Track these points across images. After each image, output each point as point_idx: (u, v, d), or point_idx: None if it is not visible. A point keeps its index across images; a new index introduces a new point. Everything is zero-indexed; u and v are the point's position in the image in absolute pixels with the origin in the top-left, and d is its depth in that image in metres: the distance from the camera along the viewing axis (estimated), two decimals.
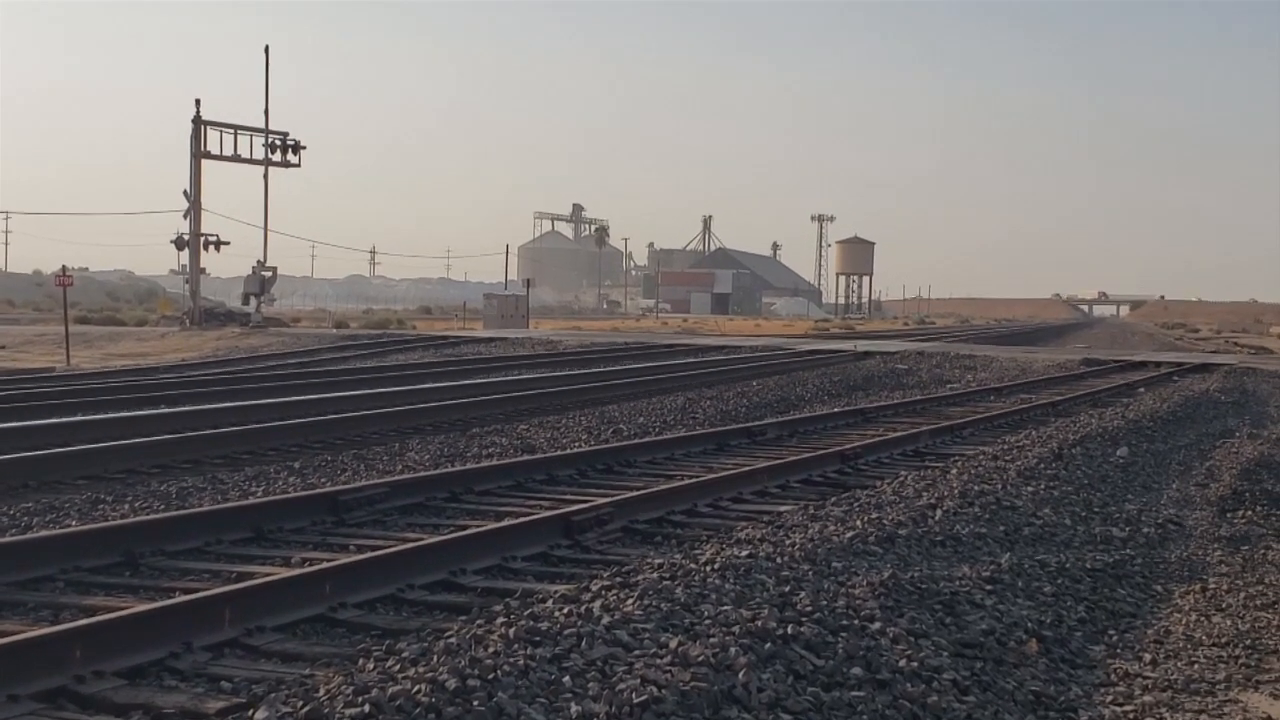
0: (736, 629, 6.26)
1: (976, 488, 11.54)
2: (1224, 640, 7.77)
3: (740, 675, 5.68)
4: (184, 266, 55.61)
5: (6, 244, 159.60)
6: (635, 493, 11.32)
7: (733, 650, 5.92)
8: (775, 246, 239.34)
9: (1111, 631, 7.84)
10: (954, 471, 12.74)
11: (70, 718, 5.50)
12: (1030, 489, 11.82)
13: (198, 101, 53.77)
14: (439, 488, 11.44)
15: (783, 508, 10.96)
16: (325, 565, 7.92)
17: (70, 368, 31.20)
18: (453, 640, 6.00)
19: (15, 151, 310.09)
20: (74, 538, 8.64)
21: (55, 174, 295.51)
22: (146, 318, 64.71)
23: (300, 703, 5.17)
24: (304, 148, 56.50)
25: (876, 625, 6.74)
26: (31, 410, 17.57)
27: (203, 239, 53.96)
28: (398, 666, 5.62)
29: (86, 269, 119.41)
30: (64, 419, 16.35)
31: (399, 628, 7.03)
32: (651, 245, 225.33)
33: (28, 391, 21.09)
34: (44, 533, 9.14)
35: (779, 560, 8.00)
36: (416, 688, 5.24)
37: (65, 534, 8.82)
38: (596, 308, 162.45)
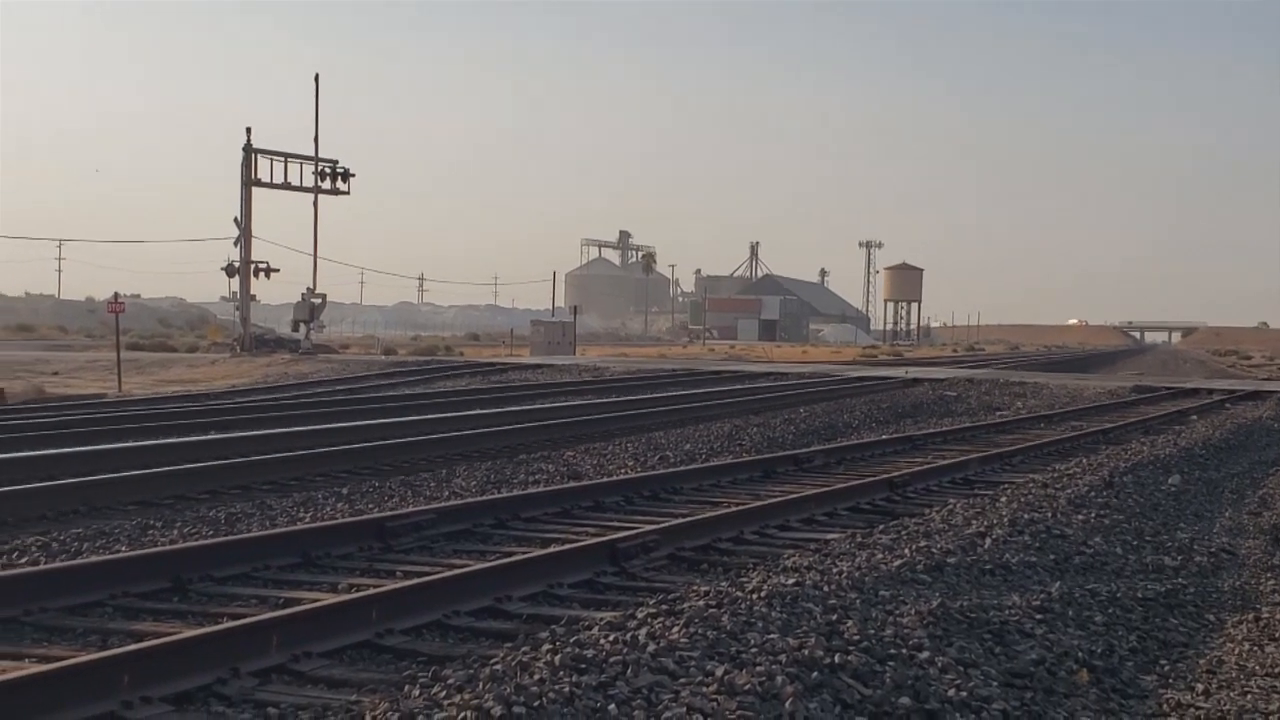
0: (783, 657, 6.23)
1: (1026, 516, 11.45)
2: (1278, 670, 7.66)
3: (787, 704, 5.64)
4: (234, 293, 56.02)
5: (60, 271, 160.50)
6: (682, 520, 11.29)
7: (779, 679, 5.89)
8: (823, 273, 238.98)
9: (1163, 661, 7.74)
10: (1003, 499, 12.64)
11: None
12: (1081, 517, 11.71)
13: (249, 130, 54.26)
14: (486, 514, 11.44)
15: (830, 535, 10.90)
16: (372, 591, 7.93)
17: (122, 394, 31.44)
18: (498, 667, 6.00)
19: (69, 179, 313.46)
20: (123, 563, 8.68)
21: (108, 202, 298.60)
22: (197, 344, 65.17)
23: None
24: (353, 175, 56.85)
25: (925, 654, 6.68)
26: (83, 436, 17.71)
27: (253, 266, 54.35)
28: (443, 693, 5.62)
29: (139, 296, 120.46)
30: (115, 445, 16.46)
31: (445, 654, 7.03)
32: (698, 272, 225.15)
33: (80, 418, 21.26)
34: (93, 558, 9.18)
35: (826, 588, 7.96)
36: (462, 714, 5.24)
37: (114, 559, 8.87)
38: (643, 334, 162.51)
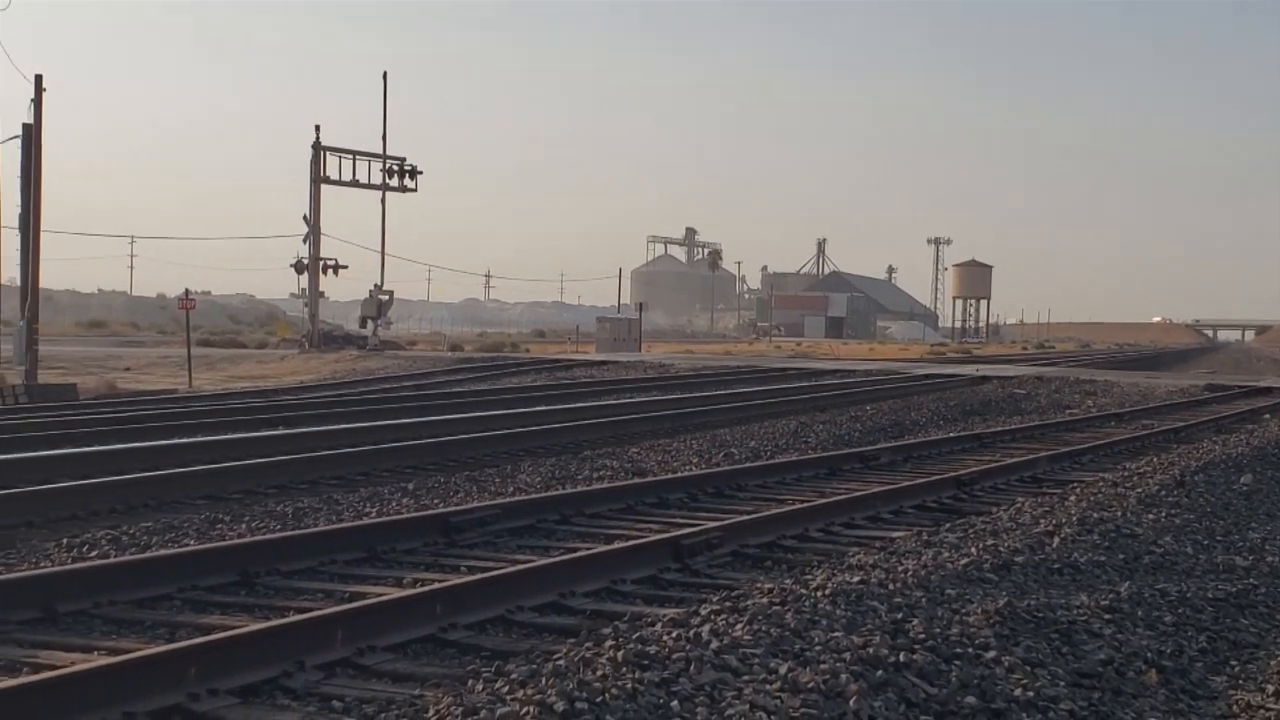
0: (847, 655, 6.19)
1: (1096, 515, 11.33)
2: None
3: (851, 702, 5.61)
4: (303, 290, 56.49)
5: (132, 268, 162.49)
6: (746, 517, 11.26)
7: (843, 677, 5.85)
8: (890, 270, 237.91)
9: (1234, 662, 7.63)
10: (1072, 498, 12.52)
11: None
12: (1151, 516, 11.57)
13: (317, 128, 54.75)
14: (550, 510, 11.46)
15: (896, 533, 10.83)
16: (436, 586, 7.96)
17: (192, 389, 31.78)
18: (561, 663, 6.00)
19: (140, 178, 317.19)
20: (191, 557, 8.76)
21: (179, 199, 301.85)
22: (267, 340, 65.78)
23: None
24: (420, 173, 57.26)
25: (991, 653, 6.62)
26: (154, 431, 17.90)
27: (321, 263, 54.81)
28: (506, 688, 5.62)
29: (209, 293, 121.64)
30: (185, 439, 16.63)
31: (508, 649, 7.03)
32: (765, 268, 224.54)
33: (151, 413, 21.50)
34: (162, 552, 9.28)
35: (891, 586, 7.91)
36: (524, 709, 5.25)
37: (183, 553, 8.97)
38: (709, 331, 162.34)
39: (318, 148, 54.42)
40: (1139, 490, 13.08)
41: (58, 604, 7.53)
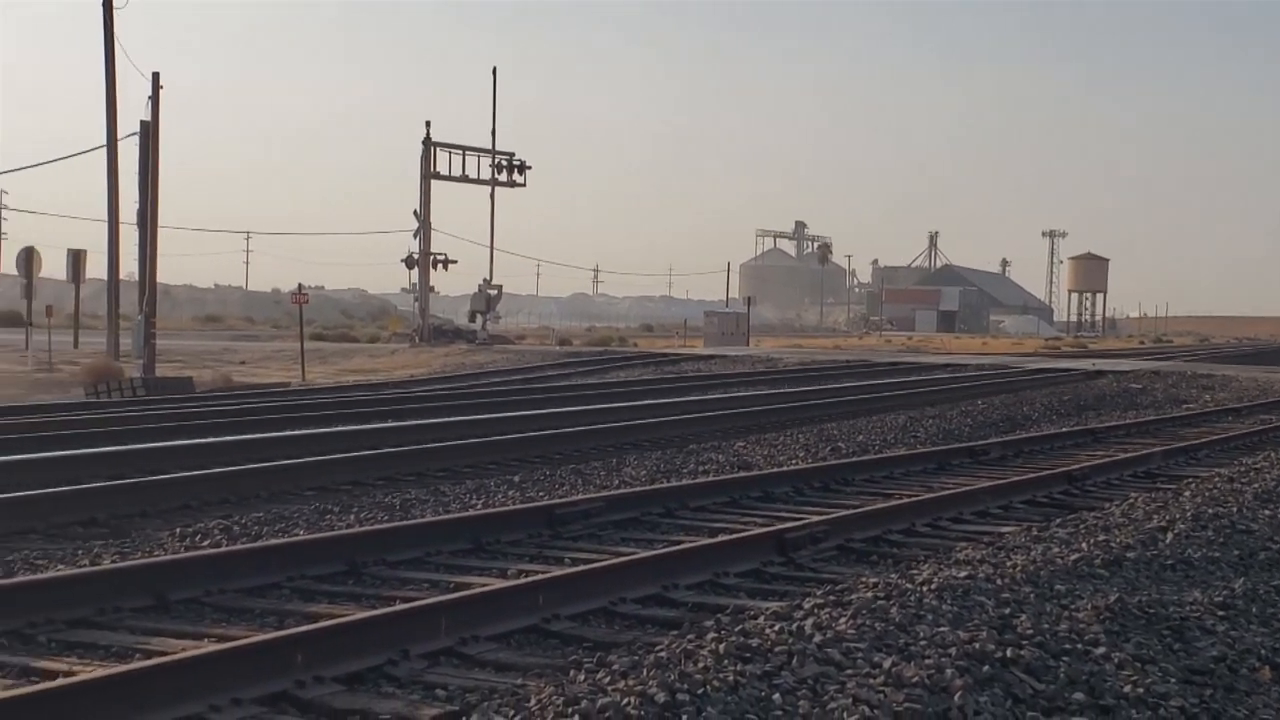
0: (953, 650, 6.12)
1: (1210, 510, 11.10)
2: None
3: (956, 698, 5.54)
4: (414, 285, 57.02)
5: (248, 264, 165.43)
6: (851, 511, 11.18)
7: (949, 672, 5.78)
8: (1004, 263, 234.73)
9: None
10: (1187, 494, 12.28)
11: None
12: (1268, 512, 11.32)
13: (428, 124, 55.23)
14: (654, 503, 11.46)
15: (1004, 529, 10.70)
16: (539, 577, 7.99)
17: (305, 383, 32.22)
18: (663, 654, 6.00)
19: (257, 175, 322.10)
20: (300, 547, 8.89)
21: (294, 195, 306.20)
22: (378, 335, 66.53)
23: (512, 712, 5.22)
24: (529, 167, 57.54)
25: (1101, 650, 6.51)
26: (266, 423, 18.16)
27: (432, 258, 55.32)
28: (608, 679, 5.63)
29: (322, 287, 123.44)
30: (296, 432, 16.86)
31: (610, 640, 7.04)
32: (875, 262, 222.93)
33: (264, 405, 21.84)
34: (272, 541, 9.41)
35: (999, 582, 7.80)
36: (626, 700, 5.24)
37: (292, 543, 9.09)
38: (818, 325, 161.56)
39: (428, 144, 54.91)
40: (1255, 486, 12.80)
41: (169, 592, 7.65)
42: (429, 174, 54.91)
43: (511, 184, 57.27)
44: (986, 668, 5.97)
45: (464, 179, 56.18)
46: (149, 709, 5.40)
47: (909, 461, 15.17)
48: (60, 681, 5.62)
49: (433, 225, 55.54)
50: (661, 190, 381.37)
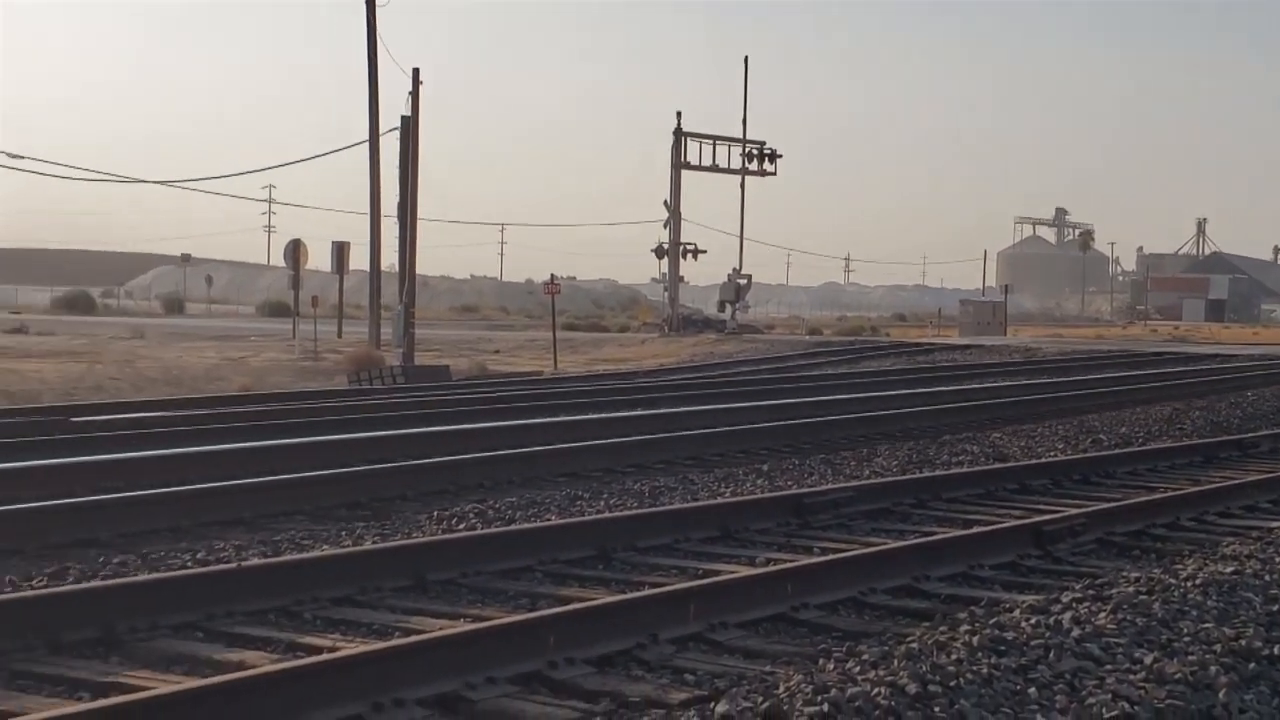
0: (1218, 647, 5.90)
1: None
2: None
3: (1220, 695, 5.34)
4: (664, 275, 57.50)
5: (502, 254, 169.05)
6: (1112, 504, 10.85)
7: (1213, 669, 5.58)
8: (1276, 250, 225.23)
9: None
10: None
11: (543, 701, 5.70)
12: None
13: (679, 114, 55.62)
14: (905, 494, 11.30)
15: (1274, 524, 10.24)
16: (788, 565, 7.96)
17: (557, 371, 32.77)
18: (914, 645, 5.92)
19: (511, 166, 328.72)
20: (552, 531, 9.05)
21: (546, 187, 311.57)
22: (628, 325, 67.29)
23: (760, 699, 5.21)
24: (780, 156, 57.47)
25: None
26: (520, 410, 18.51)
27: (681, 248, 55.66)
28: (857, 668, 5.58)
29: (574, 278, 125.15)
30: (548, 419, 17.14)
31: (860, 630, 6.96)
32: (1140, 249, 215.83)
33: (517, 393, 22.29)
34: (525, 525, 9.58)
35: (1268, 578, 7.48)
36: (876, 690, 5.19)
37: (544, 527, 9.27)
38: (1079, 314, 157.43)
39: (679, 134, 55.27)
40: None
41: (428, 573, 7.84)
42: (679, 164, 55.26)
43: (762, 173, 57.29)
44: (1253, 665, 5.76)
45: (714, 169, 56.40)
46: (408, 684, 5.55)
47: (1174, 454, 14.65)
48: (325, 656, 5.82)
49: (683, 215, 55.91)
50: (915, 176, 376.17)
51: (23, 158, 52.19)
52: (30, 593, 7.08)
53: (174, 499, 10.05)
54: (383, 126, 37.38)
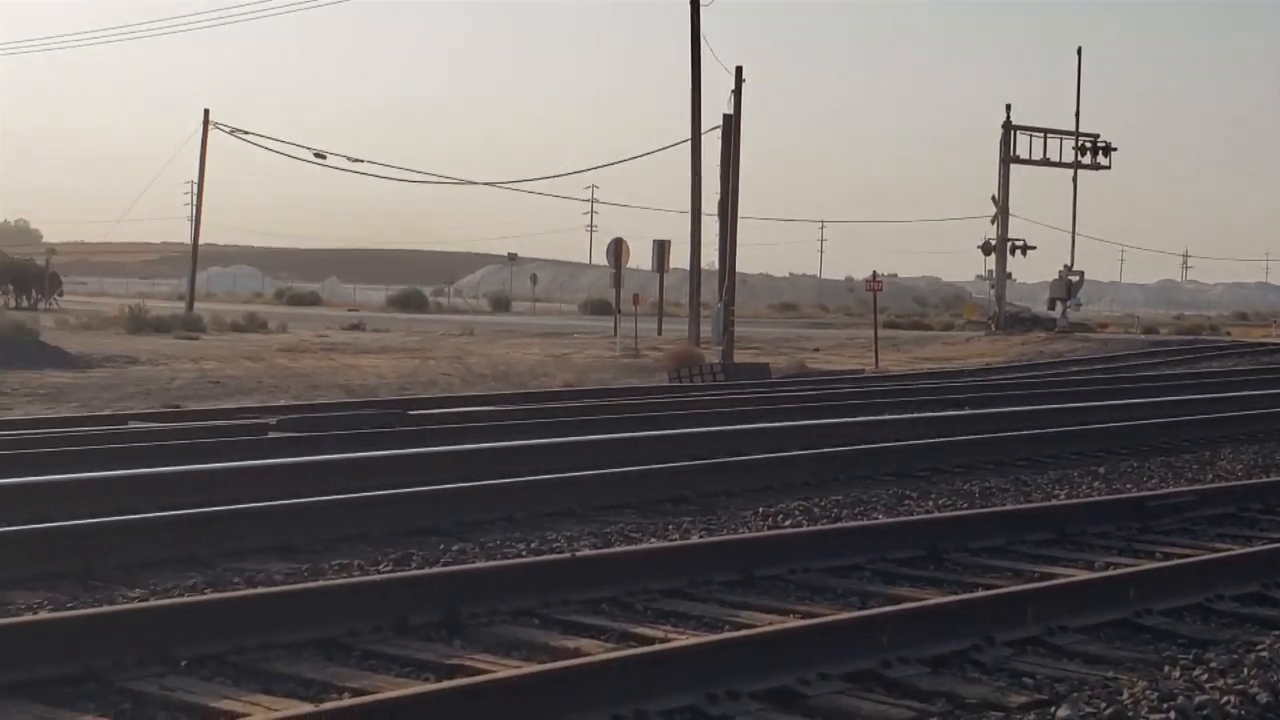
0: None
1: None
2: None
3: None
4: (990, 272, 56.37)
5: (822, 251, 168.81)
6: None
7: None
8: None
9: None
10: None
11: (877, 700, 5.64)
12: None
13: (1008, 107, 54.41)
14: (1253, 498, 10.79)
15: None
16: (1130, 570, 7.73)
17: (878, 370, 32.47)
18: (1264, 654, 5.67)
19: (830, 163, 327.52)
20: (880, 530, 8.99)
21: (866, 183, 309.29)
22: (952, 322, 66.21)
23: (1103, 704, 5.08)
24: (1114, 149, 55.60)
25: None
26: (840, 409, 18.38)
27: (1009, 244, 54.44)
28: (1205, 676, 5.38)
29: (895, 275, 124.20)
30: (870, 418, 17.00)
31: (1206, 638, 6.66)
32: None
33: (839, 391, 22.17)
34: (853, 523, 9.52)
35: None
36: (1225, 699, 5.01)
37: (872, 525, 9.23)
38: None
39: (1008, 127, 54.04)
40: None
41: (755, 568, 7.86)
42: (1008, 158, 54.03)
43: (1095, 166, 55.54)
44: None
45: (1045, 162, 54.96)
46: (741, 677, 5.57)
47: None
48: (659, 646, 5.91)
49: (1011, 210, 54.65)
50: (1256, 170, 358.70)
51: (361, 161, 55.13)
52: (378, 576, 7.40)
53: (509, 490, 10.34)
54: (704, 125, 37.78)
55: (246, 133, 53.36)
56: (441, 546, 8.67)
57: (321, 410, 17.06)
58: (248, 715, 5.15)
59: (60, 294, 64.65)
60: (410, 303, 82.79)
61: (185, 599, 6.90)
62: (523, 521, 9.70)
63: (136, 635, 5.86)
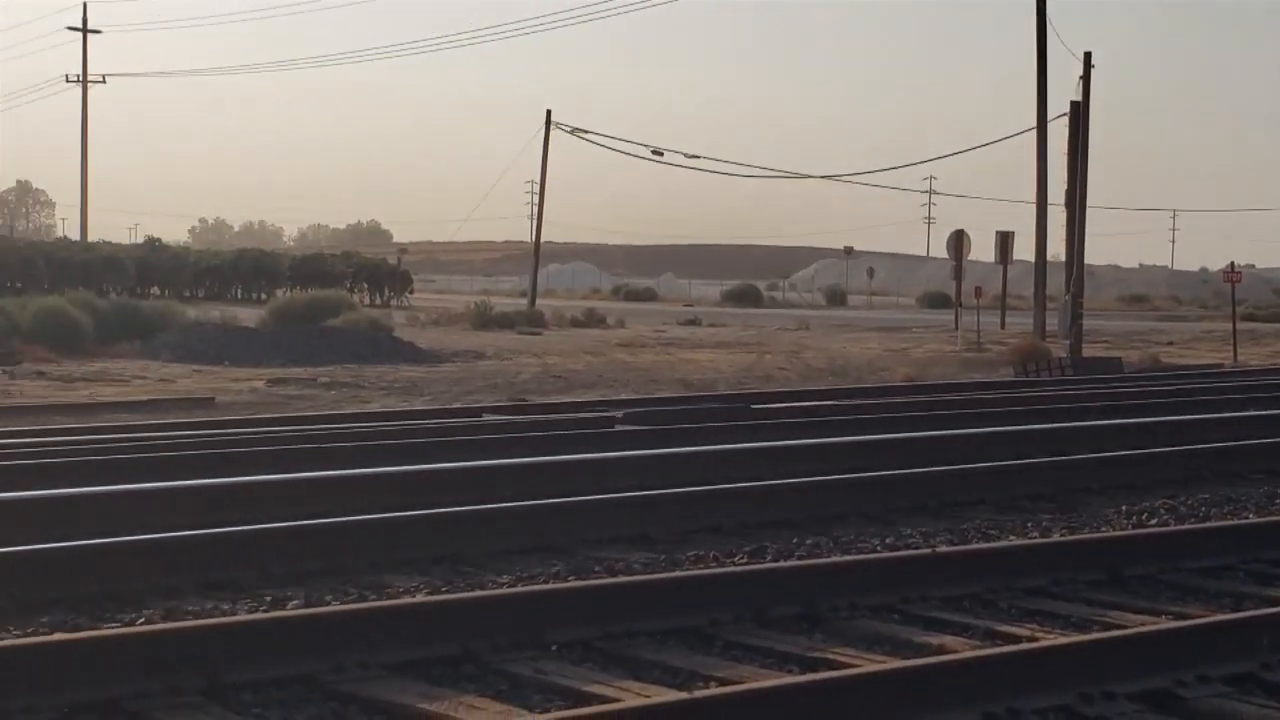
0: None
1: None
2: None
3: None
4: None
5: (1173, 241, 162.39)
6: None
7: None
8: None
9: None
10: None
11: (1260, 704, 5.39)
12: None
13: None
14: None
15: None
16: None
17: (1237, 364, 31.03)
18: None
19: (1184, 150, 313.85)
20: (1252, 529, 8.64)
21: (1220, 170, 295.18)
22: None
23: None
24: None
25: None
26: (1202, 405, 17.62)
27: None
28: None
29: (1253, 265, 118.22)
30: (1242, 413, 16.27)
31: None
32: None
33: (1195, 386, 21.31)
34: (1223, 523, 9.14)
35: None
36: None
37: (1242, 525, 8.87)
38: None
39: None
40: None
41: (1123, 567, 7.62)
42: None
43: None
44: None
45: None
46: (1116, 678, 5.41)
47: None
48: (1029, 645, 5.80)
49: None
50: None
51: (698, 156, 55.76)
52: (740, 568, 7.47)
53: (862, 484, 10.28)
54: (1050, 113, 36.78)
55: (586, 132, 54.54)
56: (795, 540, 8.66)
57: (665, 404, 17.33)
58: (619, 700, 5.24)
59: (411, 291, 67.62)
60: (745, 297, 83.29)
61: (555, 585, 7.09)
62: (876, 516, 9.61)
63: (510, 619, 6.05)
